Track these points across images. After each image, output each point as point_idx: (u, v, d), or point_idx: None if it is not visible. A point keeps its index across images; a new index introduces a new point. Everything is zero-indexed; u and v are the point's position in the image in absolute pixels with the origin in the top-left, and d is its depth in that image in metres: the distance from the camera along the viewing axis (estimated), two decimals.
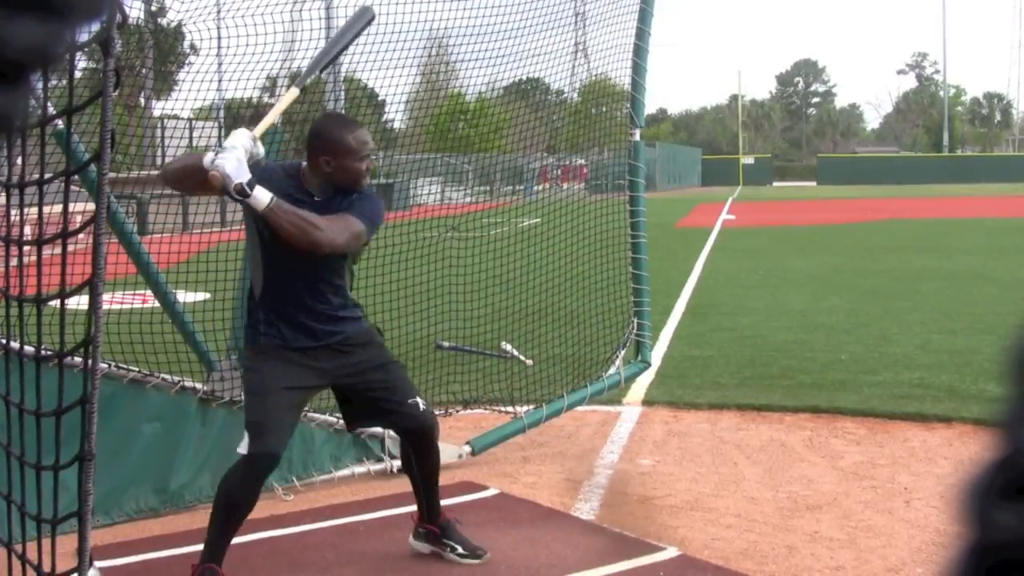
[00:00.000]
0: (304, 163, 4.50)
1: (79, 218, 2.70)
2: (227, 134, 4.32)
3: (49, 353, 2.72)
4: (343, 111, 9.05)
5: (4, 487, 2.95)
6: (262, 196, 4.11)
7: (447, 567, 4.76)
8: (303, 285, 4.45)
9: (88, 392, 2.47)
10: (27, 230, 3.26)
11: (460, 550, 4.79)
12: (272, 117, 4.49)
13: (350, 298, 4.63)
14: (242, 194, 4.08)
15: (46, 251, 2.85)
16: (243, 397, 4.56)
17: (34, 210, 2.64)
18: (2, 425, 2.91)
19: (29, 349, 3.35)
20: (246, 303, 4.64)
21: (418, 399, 4.67)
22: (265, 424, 4.32)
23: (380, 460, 6.13)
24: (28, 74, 0.64)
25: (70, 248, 2.69)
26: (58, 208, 2.79)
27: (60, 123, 4.13)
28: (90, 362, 2.47)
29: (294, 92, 4.56)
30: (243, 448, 4.34)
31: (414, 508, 4.88)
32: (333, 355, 4.52)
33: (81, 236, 2.65)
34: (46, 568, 2.67)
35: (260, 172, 4.27)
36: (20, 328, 2.66)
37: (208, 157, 4.11)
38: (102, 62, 2.29)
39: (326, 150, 4.38)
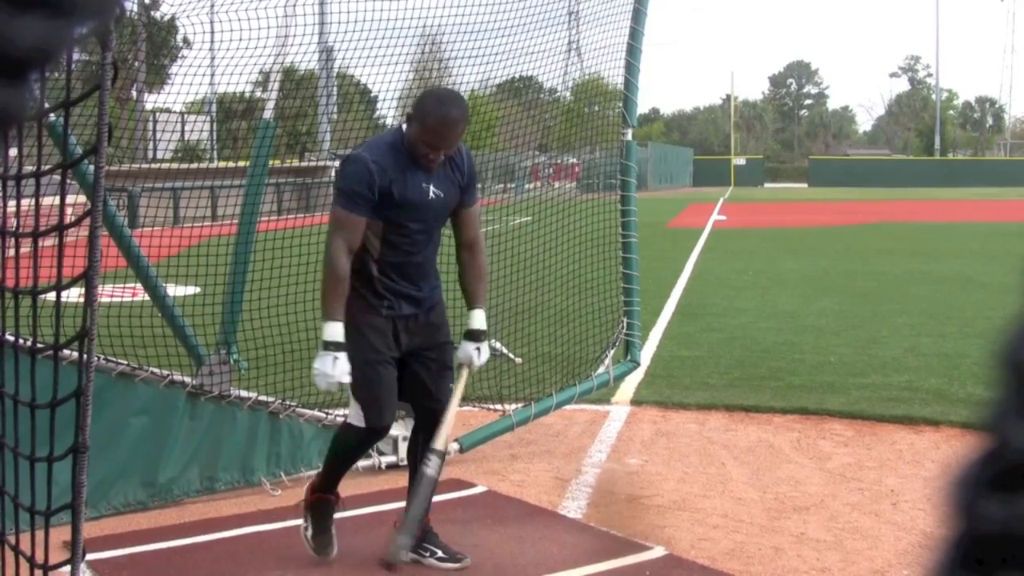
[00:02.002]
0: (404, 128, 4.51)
1: (71, 211, 2.70)
2: (219, 128, 4.33)
3: (44, 345, 2.71)
4: (335, 107, 9.06)
5: None
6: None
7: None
8: (417, 256, 4.52)
9: (83, 384, 2.47)
10: (22, 222, 3.26)
11: (440, 554, 4.72)
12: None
13: (436, 270, 4.72)
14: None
15: (40, 243, 2.85)
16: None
17: (28, 202, 2.64)
18: None
19: (23, 341, 3.35)
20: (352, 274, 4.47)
21: None
22: (381, 399, 4.51)
23: (368, 456, 6.12)
24: (31, 72, 0.64)
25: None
26: (49, 200, 2.79)
27: (54, 115, 4.13)
28: (85, 355, 2.47)
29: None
30: (358, 421, 4.48)
31: (401, 504, 4.84)
32: (420, 326, 4.58)
33: (74, 228, 2.65)
34: (39, 559, 2.67)
35: (380, 169, 4.35)
36: (16, 320, 2.66)
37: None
38: (98, 55, 2.29)
39: (414, 116, 4.38)
